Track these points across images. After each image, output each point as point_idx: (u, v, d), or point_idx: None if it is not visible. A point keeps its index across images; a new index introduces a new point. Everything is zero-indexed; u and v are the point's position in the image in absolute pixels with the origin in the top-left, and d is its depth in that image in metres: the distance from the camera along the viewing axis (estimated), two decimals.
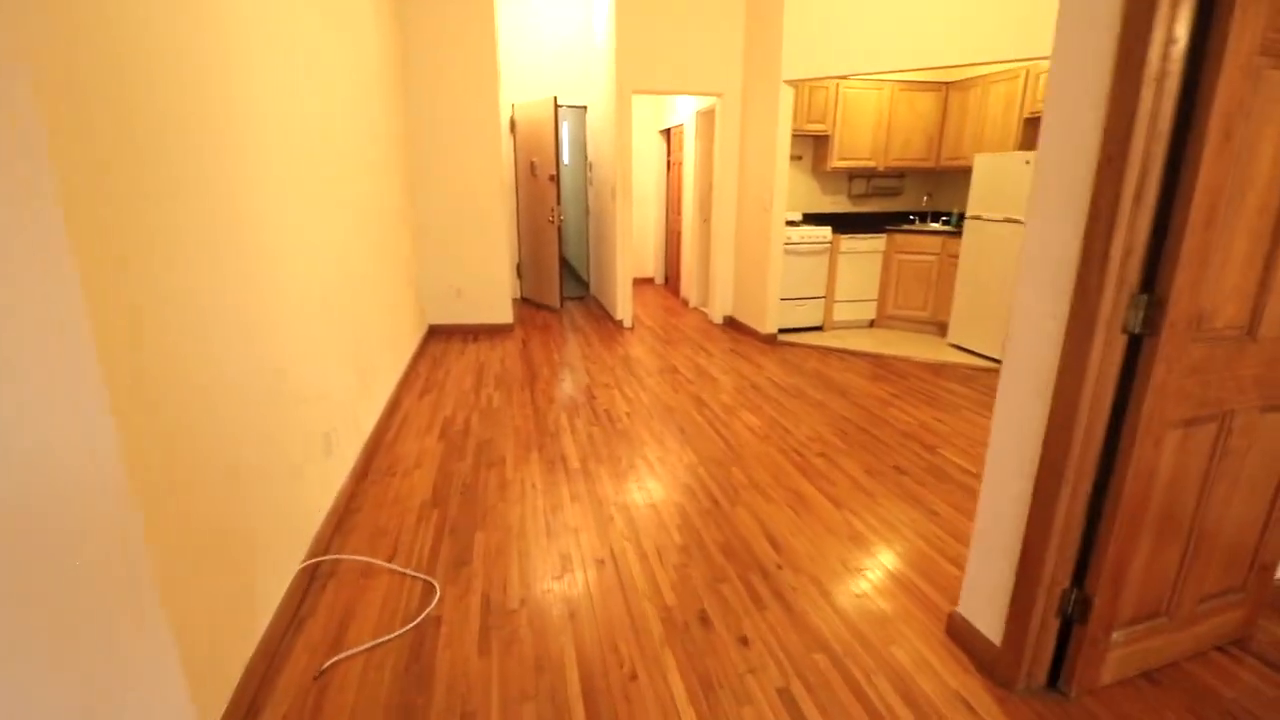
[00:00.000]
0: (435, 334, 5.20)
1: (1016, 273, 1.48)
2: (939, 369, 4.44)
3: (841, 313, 5.50)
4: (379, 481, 2.66)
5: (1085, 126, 1.29)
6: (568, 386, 3.97)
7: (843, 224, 5.44)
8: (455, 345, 4.90)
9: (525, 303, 6.59)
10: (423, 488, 2.62)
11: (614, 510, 2.45)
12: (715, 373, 4.29)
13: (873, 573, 2.07)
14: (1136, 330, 1.32)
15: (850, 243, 5.32)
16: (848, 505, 2.52)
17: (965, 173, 5.41)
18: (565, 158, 7.85)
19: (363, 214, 3.08)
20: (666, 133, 7.24)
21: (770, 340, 5.16)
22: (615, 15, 4.88)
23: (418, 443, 3.07)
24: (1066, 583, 1.51)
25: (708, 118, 5.86)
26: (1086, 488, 1.43)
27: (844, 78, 5.02)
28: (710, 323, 5.84)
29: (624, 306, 5.60)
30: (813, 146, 5.65)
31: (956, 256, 4.95)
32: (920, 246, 5.26)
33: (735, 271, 5.67)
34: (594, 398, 3.76)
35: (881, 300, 5.55)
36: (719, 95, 5.29)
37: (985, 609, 1.67)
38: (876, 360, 4.65)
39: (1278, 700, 1.56)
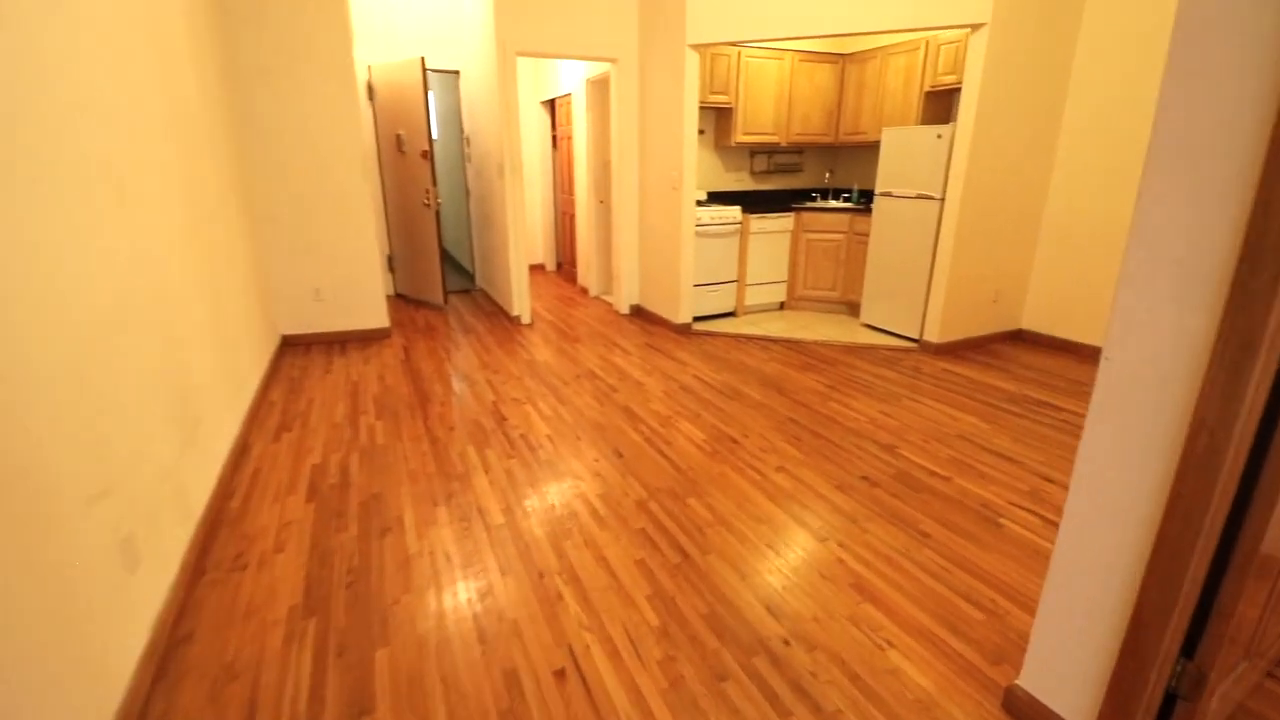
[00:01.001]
0: (290, 347, 4.23)
1: (1121, 272, 1.13)
2: (859, 351, 4.30)
3: (753, 296, 5.24)
4: (222, 581, 1.90)
5: (1246, 79, 0.94)
6: (470, 406, 3.31)
7: (747, 202, 5.14)
8: (318, 360, 4.00)
9: (402, 301, 5.69)
10: (290, 583, 1.90)
11: (561, 584, 1.91)
12: (637, 375, 3.81)
13: (893, 634, 1.72)
14: None
15: (760, 223, 5.04)
16: (831, 536, 2.17)
17: (865, 148, 5.32)
18: (434, 131, 6.90)
19: (170, 205, 2.21)
20: (551, 104, 6.55)
21: (685, 331, 4.77)
22: None
23: (277, 509, 2.30)
24: (1175, 653, 1.23)
25: (600, 86, 5.28)
26: (1214, 542, 1.13)
27: (754, 43, 4.67)
28: (616, 314, 5.34)
29: (521, 300, 4.94)
30: (715, 120, 5.27)
31: (864, 234, 4.83)
32: (828, 225, 5.10)
33: (641, 256, 5.20)
34: (504, 419, 3.14)
35: (791, 281, 5.36)
36: (613, 61, 4.73)
37: (1065, 686, 1.36)
38: (797, 346, 4.42)
39: None
